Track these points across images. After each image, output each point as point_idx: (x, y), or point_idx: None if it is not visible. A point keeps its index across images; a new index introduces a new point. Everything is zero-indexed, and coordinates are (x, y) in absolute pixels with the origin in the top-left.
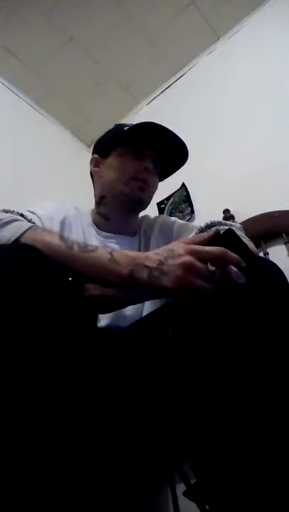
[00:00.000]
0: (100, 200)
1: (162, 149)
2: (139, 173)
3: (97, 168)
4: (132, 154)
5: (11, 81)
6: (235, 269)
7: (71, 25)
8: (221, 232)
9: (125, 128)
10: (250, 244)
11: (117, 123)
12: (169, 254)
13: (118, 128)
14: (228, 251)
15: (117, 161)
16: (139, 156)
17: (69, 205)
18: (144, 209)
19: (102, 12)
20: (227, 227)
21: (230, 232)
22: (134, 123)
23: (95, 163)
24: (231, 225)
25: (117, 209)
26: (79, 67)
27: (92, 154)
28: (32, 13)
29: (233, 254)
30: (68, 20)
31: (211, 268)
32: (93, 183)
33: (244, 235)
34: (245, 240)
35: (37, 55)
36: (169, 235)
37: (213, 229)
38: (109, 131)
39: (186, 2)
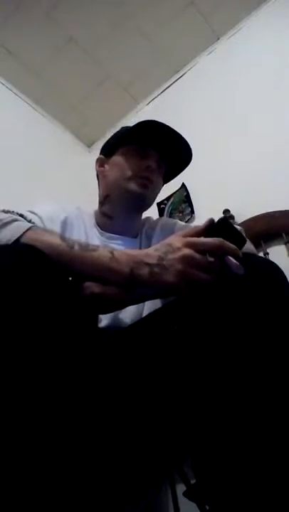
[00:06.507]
0: (104, 200)
1: (166, 149)
2: (142, 171)
3: (102, 168)
4: (136, 153)
5: (11, 81)
6: (234, 260)
7: (71, 25)
8: (215, 221)
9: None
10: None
11: (122, 125)
12: (168, 249)
13: (123, 129)
14: (225, 241)
15: (121, 160)
16: (143, 156)
17: (71, 205)
18: (147, 208)
19: (102, 12)
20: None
21: (223, 220)
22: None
23: (100, 163)
24: None
25: (120, 207)
26: (79, 67)
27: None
28: (32, 13)
29: (230, 244)
30: (68, 20)
31: (210, 259)
32: (98, 183)
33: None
34: (238, 227)
35: (37, 55)
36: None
37: (208, 219)
38: (116, 133)
39: (186, 2)
